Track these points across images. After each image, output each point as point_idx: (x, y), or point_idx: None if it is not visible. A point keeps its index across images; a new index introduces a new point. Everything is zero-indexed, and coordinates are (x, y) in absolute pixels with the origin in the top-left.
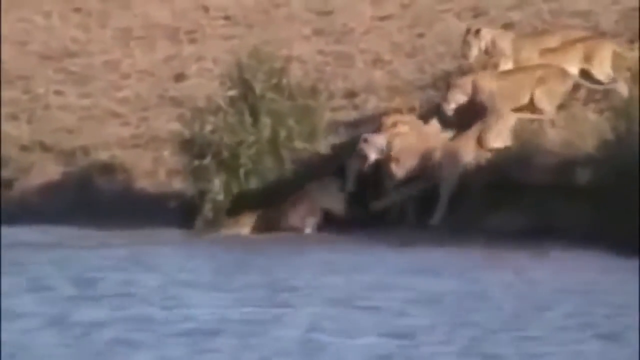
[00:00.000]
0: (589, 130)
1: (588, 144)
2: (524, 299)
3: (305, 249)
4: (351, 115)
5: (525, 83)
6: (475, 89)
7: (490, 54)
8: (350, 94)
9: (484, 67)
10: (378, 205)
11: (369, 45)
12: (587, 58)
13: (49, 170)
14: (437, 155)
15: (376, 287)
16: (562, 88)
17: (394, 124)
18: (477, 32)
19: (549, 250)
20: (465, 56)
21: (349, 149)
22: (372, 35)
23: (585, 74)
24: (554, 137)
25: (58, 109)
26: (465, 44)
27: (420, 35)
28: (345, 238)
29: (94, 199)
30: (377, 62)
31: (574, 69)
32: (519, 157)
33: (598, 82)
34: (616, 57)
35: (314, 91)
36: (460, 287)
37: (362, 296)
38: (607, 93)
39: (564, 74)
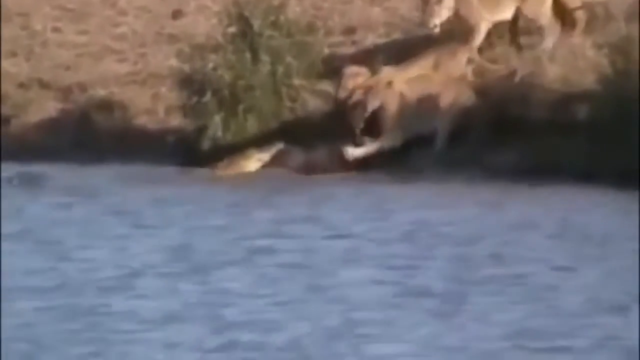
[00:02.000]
0: (587, 66)
1: (586, 80)
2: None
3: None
4: (350, 51)
5: None
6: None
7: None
8: (349, 31)
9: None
10: (357, 152)
11: None
12: None
13: (46, 107)
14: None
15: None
16: None
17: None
18: None
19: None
20: (425, 24)
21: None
22: None
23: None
24: (552, 73)
25: (56, 46)
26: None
27: None
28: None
29: (92, 136)
30: None
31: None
32: (518, 93)
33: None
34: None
35: (311, 28)
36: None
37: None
38: (605, 27)
39: None
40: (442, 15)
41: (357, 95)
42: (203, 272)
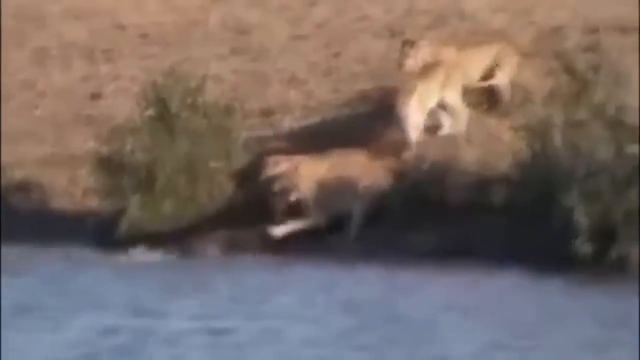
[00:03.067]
0: (504, 149)
1: (504, 163)
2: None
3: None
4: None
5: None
6: (435, 56)
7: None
8: (266, 113)
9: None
10: (281, 231)
11: (285, 65)
12: (497, 60)
13: None
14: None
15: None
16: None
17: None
18: (413, 43)
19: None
20: (400, 66)
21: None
22: (288, 55)
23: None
24: (469, 156)
25: None
26: (402, 54)
27: (336, 55)
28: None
29: (9, 218)
30: (292, 81)
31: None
32: (434, 175)
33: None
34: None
35: (229, 110)
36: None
37: None
38: (523, 109)
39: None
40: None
41: (279, 183)
42: None
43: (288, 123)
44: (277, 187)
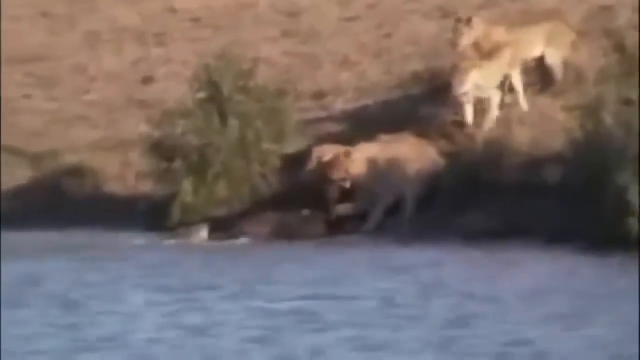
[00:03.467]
0: (557, 129)
1: (557, 143)
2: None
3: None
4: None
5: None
6: (488, 35)
7: (481, 46)
8: (318, 96)
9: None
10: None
11: (336, 47)
12: (549, 39)
13: (18, 175)
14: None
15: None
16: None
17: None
18: (469, 20)
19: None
20: (454, 45)
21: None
22: (339, 37)
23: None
24: (522, 136)
25: (26, 113)
26: (456, 32)
27: (387, 36)
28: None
29: (63, 203)
30: (344, 63)
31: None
32: (488, 156)
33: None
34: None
35: (281, 93)
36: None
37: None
38: (576, 89)
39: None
40: (471, 38)
41: (331, 170)
42: None
43: (341, 105)
44: (329, 174)
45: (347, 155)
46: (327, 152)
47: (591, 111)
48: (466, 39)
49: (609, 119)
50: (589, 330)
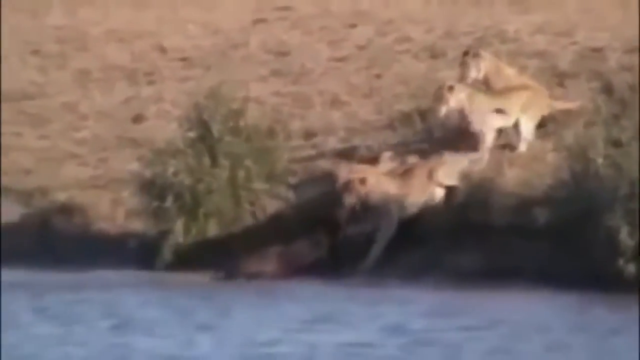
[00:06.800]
0: (547, 170)
1: (546, 184)
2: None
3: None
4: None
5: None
6: (498, 69)
7: (487, 80)
8: (309, 135)
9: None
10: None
11: (327, 86)
12: (524, 108)
13: (7, 212)
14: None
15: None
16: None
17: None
18: (476, 54)
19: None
20: (462, 79)
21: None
22: (329, 76)
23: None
24: (512, 177)
25: (16, 151)
26: (464, 65)
27: (378, 76)
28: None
29: (53, 240)
30: (334, 102)
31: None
32: (477, 197)
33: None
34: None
35: (271, 132)
36: None
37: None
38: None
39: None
40: (450, 105)
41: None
42: None
43: (331, 144)
44: (346, 197)
45: (363, 182)
46: (353, 171)
47: (580, 152)
48: (474, 72)
49: (598, 160)
50: None
